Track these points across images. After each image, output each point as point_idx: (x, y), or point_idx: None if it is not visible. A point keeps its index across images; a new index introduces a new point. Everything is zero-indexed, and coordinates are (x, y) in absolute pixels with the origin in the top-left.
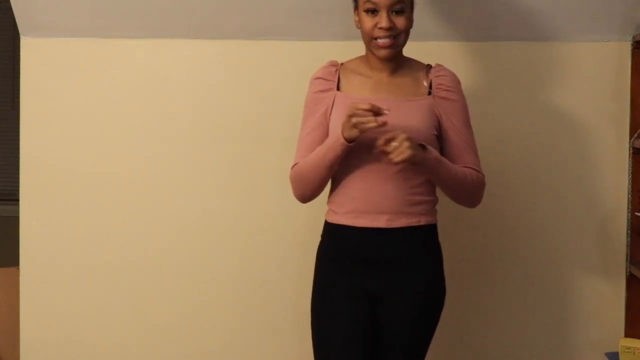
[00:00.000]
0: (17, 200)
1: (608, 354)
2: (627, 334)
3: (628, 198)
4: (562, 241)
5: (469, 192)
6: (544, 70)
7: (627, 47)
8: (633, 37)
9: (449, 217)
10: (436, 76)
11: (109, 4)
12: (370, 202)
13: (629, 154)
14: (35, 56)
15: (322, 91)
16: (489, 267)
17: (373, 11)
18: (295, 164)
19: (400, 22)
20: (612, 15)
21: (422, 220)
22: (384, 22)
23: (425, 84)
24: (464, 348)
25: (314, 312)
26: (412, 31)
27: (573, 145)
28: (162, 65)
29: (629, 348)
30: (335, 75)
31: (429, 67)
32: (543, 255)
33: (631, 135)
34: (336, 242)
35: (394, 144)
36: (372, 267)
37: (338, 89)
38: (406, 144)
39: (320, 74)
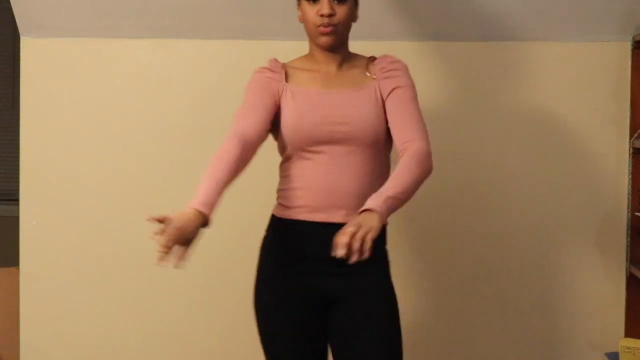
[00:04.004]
0: (17, 200)
1: (608, 354)
2: (627, 334)
3: (628, 198)
4: (562, 241)
5: (422, 177)
6: (544, 70)
7: (627, 47)
8: (633, 37)
9: (449, 216)
10: (379, 62)
11: (109, 4)
12: (328, 196)
13: (629, 154)
14: (35, 56)
15: (270, 78)
16: (489, 267)
17: (316, 0)
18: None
19: (341, 11)
20: (612, 15)
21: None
22: (325, 8)
23: (368, 74)
24: (462, 348)
25: (263, 313)
26: (408, 31)
27: (573, 145)
28: (162, 65)
29: (629, 348)
30: (282, 69)
31: (372, 58)
32: (543, 255)
33: (631, 135)
34: (286, 239)
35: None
36: (325, 266)
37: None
38: (362, 234)
39: (267, 65)
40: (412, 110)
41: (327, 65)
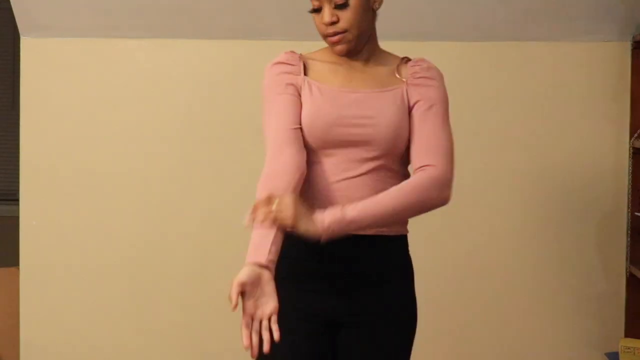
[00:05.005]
0: (17, 200)
1: (608, 354)
2: (627, 334)
3: (628, 198)
4: (562, 241)
5: (420, 205)
6: (544, 70)
7: (627, 47)
8: (633, 37)
9: (447, 216)
10: (412, 65)
11: (109, 3)
12: (337, 205)
13: (629, 154)
14: (35, 56)
15: (286, 73)
16: (489, 267)
17: (319, 9)
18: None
19: (345, 16)
20: (612, 15)
21: (393, 230)
22: (326, 16)
23: (398, 75)
24: (463, 348)
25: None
26: (411, 31)
27: (573, 146)
28: (162, 65)
29: (629, 348)
30: (299, 62)
31: (406, 59)
32: (543, 254)
33: (631, 135)
34: (288, 254)
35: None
36: (333, 283)
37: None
38: (282, 210)
39: (281, 59)
40: (438, 129)
41: (351, 59)
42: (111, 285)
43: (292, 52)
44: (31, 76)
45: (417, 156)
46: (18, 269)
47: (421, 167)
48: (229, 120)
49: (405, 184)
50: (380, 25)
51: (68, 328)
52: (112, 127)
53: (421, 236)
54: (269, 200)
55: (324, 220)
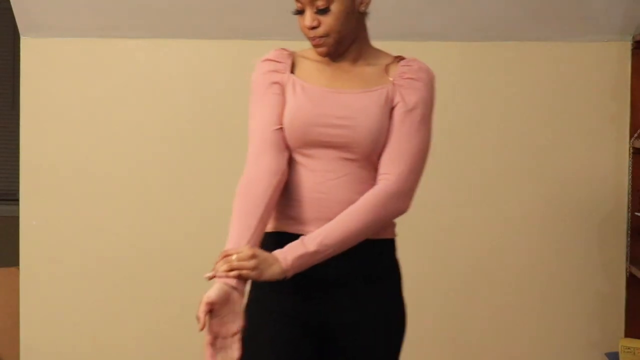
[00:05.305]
0: (17, 200)
1: (608, 354)
2: (627, 334)
3: (628, 198)
4: (562, 241)
5: (379, 221)
6: (544, 70)
7: (627, 47)
8: (633, 37)
9: (447, 217)
10: (402, 65)
11: (109, 4)
12: (317, 207)
13: (629, 154)
14: (35, 56)
15: (272, 71)
16: (489, 267)
17: (302, 11)
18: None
19: (326, 21)
20: (612, 15)
21: (380, 234)
22: (307, 20)
23: (387, 74)
24: (462, 348)
25: (250, 337)
26: (411, 31)
27: (573, 146)
28: (162, 65)
29: (629, 348)
30: (288, 59)
31: (399, 58)
32: (543, 255)
33: (631, 135)
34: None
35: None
36: (316, 287)
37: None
38: (242, 264)
39: (270, 56)
40: (410, 135)
41: (340, 60)
42: (111, 285)
43: (283, 49)
44: (31, 76)
45: (383, 162)
46: (18, 269)
47: (382, 174)
48: (228, 120)
49: (361, 202)
50: (381, 25)
51: (68, 328)
52: (111, 127)
53: (420, 238)
54: (226, 255)
55: (287, 258)
